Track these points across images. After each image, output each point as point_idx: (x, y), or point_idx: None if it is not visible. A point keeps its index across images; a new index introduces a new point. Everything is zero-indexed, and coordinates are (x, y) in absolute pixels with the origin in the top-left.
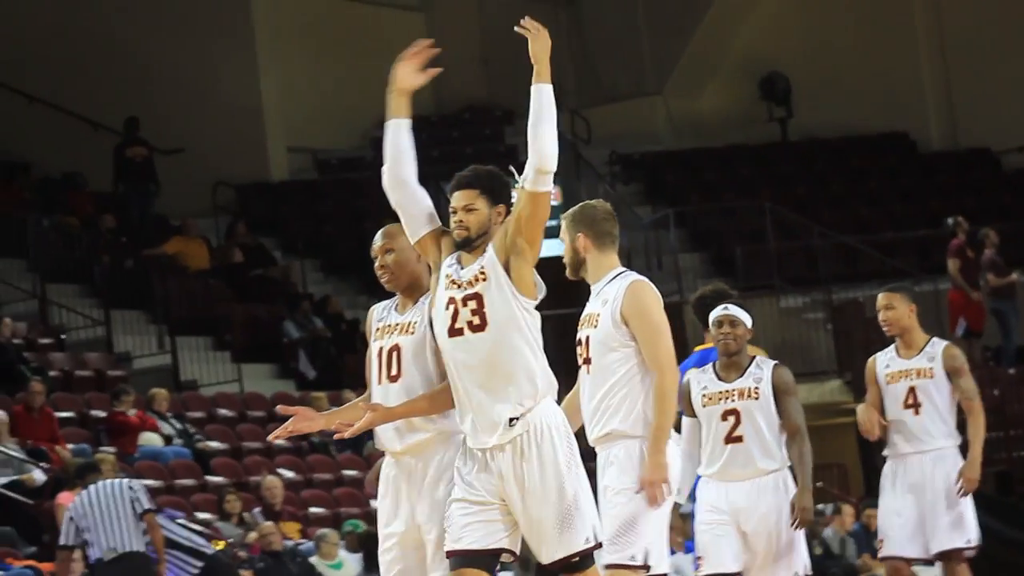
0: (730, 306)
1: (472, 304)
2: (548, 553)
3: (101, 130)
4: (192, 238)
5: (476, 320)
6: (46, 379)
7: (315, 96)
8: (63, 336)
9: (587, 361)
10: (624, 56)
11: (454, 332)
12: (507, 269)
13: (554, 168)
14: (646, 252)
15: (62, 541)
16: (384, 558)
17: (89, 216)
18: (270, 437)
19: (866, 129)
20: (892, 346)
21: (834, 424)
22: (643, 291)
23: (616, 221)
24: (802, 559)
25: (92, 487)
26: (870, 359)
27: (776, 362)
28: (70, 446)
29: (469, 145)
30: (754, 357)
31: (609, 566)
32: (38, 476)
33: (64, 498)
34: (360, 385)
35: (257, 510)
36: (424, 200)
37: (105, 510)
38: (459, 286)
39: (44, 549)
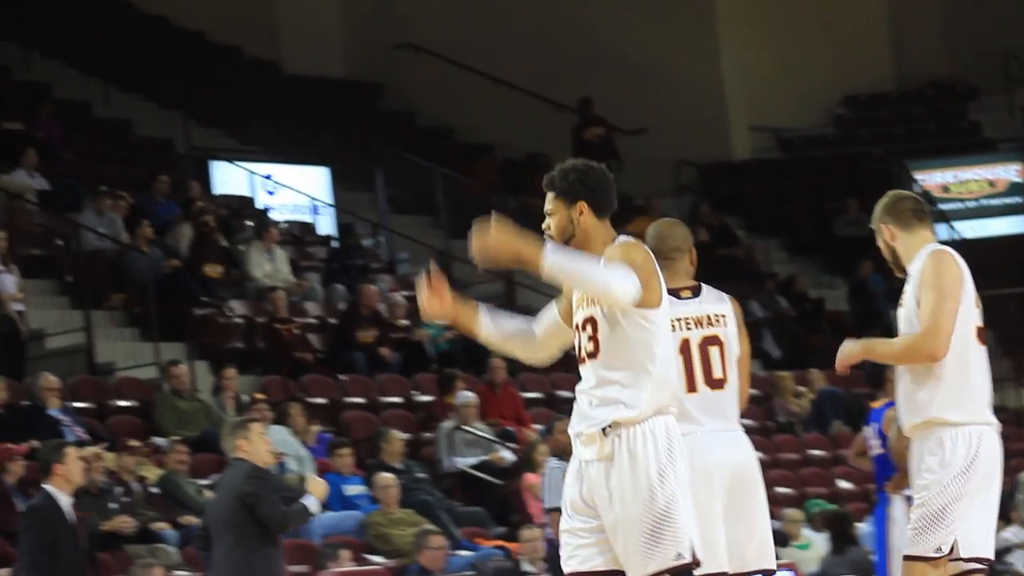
0: None
1: (588, 329)
2: (633, 569)
3: (564, 111)
4: (656, 218)
5: (591, 347)
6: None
7: (777, 74)
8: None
9: None
10: None
11: (580, 361)
12: None
13: (628, 301)
14: None
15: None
16: None
17: None
18: None
19: None
20: None
21: None
22: (939, 259)
23: (916, 198)
24: None
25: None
26: None
27: None
28: (536, 426)
29: (932, 122)
30: None
31: (909, 558)
32: (506, 456)
33: (531, 479)
34: (823, 365)
35: None
36: (546, 314)
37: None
38: (577, 307)
39: (513, 529)
